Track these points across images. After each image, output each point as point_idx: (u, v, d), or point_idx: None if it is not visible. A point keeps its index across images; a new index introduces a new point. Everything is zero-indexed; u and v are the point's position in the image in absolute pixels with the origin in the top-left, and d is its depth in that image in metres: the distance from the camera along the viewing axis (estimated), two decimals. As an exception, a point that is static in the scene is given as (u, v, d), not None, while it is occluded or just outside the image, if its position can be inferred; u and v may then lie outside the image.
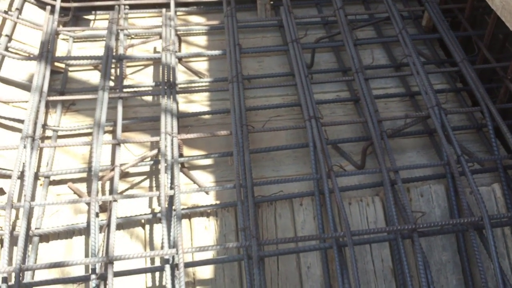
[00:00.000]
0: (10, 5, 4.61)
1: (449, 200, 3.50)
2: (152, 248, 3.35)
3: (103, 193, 3.48)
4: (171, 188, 3.40)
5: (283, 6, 4.69)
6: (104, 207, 3.43)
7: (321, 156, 3.50)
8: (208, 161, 3.85)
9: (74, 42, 4.77)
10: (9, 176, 3.45)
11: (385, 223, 3.47)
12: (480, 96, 3.83)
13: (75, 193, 3.60)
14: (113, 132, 3.94)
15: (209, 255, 3.30)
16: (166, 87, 3.97)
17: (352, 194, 3.60)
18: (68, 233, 3.35)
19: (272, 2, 5.10)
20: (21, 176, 3.43)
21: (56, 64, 4.39)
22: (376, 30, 4.92)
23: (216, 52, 4.45)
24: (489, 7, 3.98)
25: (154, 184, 3.71)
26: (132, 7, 5.00)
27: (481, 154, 3.85)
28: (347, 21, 4.53)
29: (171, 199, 3.37)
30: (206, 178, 3.77)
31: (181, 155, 3.72)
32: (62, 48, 4.66)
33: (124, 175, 3.71)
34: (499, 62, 4.34)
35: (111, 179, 3.48)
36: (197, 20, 5.06)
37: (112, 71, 4.42)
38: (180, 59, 4.51)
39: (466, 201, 3.33)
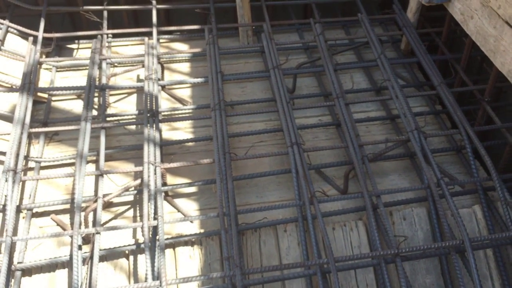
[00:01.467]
0: (-7, 36, 4.63)
1: (431, 223, 3.54)
2: (136, 279, 3.33)
3: (87, 224, 3.46)
4: (155, 218, 3.40)
5: (264, 32, 4.76)
6: (88, 239, 3.41)
7: (304, 182, 3.53)
8: (192, 189, 3.86)
9: (57, 71, 4.79)
10: (-10, 210, 3.42)
11: (369, 247, 3.49)
12: (458, 119, 3.91)
13: (58, 224, 3.58)
14: (96, 162, 3.94)
15: (194, 285, 3.28)
16: (149, 116, 3.99)
17: (335, 219, 3.63)
18: (51, 267, 3.32)
19: (254, 28, 5.18)
20: (3, 210, 3.41)
21: (39, 94, 4.40)
22: (356, 54, 5.00)
23: (199, 79, 4.49)
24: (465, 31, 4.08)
25: (138, 214, 3.70)
26: (115, 35, 5.04)
27: (461, 176, 3.91)
28: (327, 46, 4.61)
29: (155, 229, 3.37)
30: (191, 206, 3.77)
31: (164, 184, 3.72)
32: (45, 78, 4.67)
33: (108, 205, 3.71)
34: (477, 84, 4.44)
35: (94, 210, 3.47)
36: (180, 47, 5.11)
37: (96, 100, 4.43)
38: (163, 87, 4.54)
39: (448, 223, 3.37)
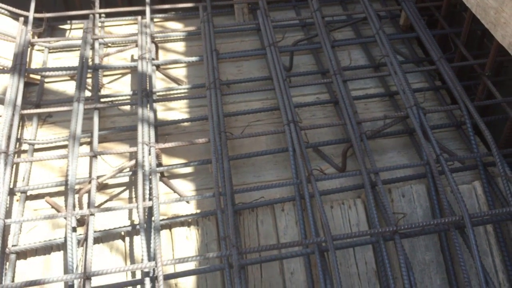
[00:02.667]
0: (-17, 17, 4.54)
1: (430, 199, 3.49)
2: (132, 260, 3.30)
3: (82, 206, 3.42)
4: (150, 199, 3.35)
5: (260, 9, 4.66)
6: (83, 221, 3.37)
7: (301, 161, 3.47)
8: (188, 169, 3.81)
9: (49, 52, 4.70)
10: (-17, 193, 3.38)
11: (367, 225, 3.45)
12: (457, 95, 3.83)
13: (52, 207, 3.54)
14: (90, 143, 3.88)
15: (191, 265, 3.25)
16: (143, 96, 3.92)
17: (333, 197, 3.58)
18: (46, 249, 3.28)
19: (249, 6, 5.07)
20: (-4, 193, 3.37)
21: (31, 75, 4.33)
22: (354, 30, 4.91)
23: (193, 58, 4.41)
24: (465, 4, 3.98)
25: (133, 195, 3.65)
26: (108, 15, 4.94)
27: (461, 152, 3.85)
28: (324, 22, 4.51)
29: (150, 210, 3.32)
30: (187, 187, 3.72)
31: (160, 164, 3.67)
32: (37, 59, 4.59)
33: (103, 186, 3.66)
34: (478, 58, 4.35)
35: (89, 192, 3.42)
36: (174, 26, 5.01)
37: (89, 81, 4.36)
38: (157, 66, 4.46)
39: (447, 200, 3.32)
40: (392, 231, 3.12)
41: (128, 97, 4.21)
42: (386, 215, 3.29)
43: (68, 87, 4.42)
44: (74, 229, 3.17)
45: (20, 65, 4.06)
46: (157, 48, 4.62)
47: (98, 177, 3.48)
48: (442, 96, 4.24)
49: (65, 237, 3.20)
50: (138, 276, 3.21)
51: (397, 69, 4.02)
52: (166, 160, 3.84)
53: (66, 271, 3.19)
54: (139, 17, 4.67)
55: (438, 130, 3.94)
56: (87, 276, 2.89)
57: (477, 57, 4.42)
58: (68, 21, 4.95)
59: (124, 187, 3.70)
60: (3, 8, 4.62)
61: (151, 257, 3.14)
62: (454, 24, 4.83)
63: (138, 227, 3.26)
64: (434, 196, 3.44)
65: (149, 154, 3.56)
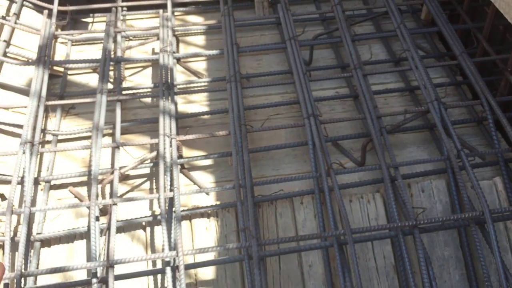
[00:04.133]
0: (8, 10, 4.62)
1: (450, 195, 3.48)
2: (153, 250, 3.35)
3: (104, 196, 3.49)
4: (171, 190, 3.40)
5: (281, 3, 4.67)
6: (105, 210, 3.44)
7: (320, 154, 3.48)
8: (208, 161, 3.85)
9: (72, 45, 4.77)
10: (9, 182, 3.46)
11: (386, 219, 3.45)
12: (479, 89, 3.80)
13: (76, 196, 3.61)
14: (112, 135, 3.94)
15: (210, 256, 3.30)
16: (164, 89, 3.97)
17: (352, 191, 3.59)
18: (69, 238, 3.36)
19: (269, 0, 5.08)
20: (22, 182, 3.45)
21: (55, 68, 4.40)
22: (374, 25, 4.89)
23: (214, 52, 4.44)
24: (488, -1, 3.95)
25: (154, 186, 3.71)
26: (130, 8, 5.00)
27: (482, 148, 3.83)
28: (345, 16, 4.50)
29: (171, 201, 3.37)
30: (207, 179, 3.76)
31: (180, 156, 3.72)
32: (60, 52, 4.67)
33: (125, 177, 3.72)
34: (499, 54, 4.30)
35: (111, 182, 3.48)
36: (195, 19, 5.05)
37: (111, 73, 4.42)
38: (178, 60, 4.50)
39: (467, 195, 3.30)
40: (411, 225, 3.13)
41: (149, 89, 4.26)
42: (405, 210, 3.29)
43: (91, 79, 4.48)
44: (97, 218, 3.24)
45: (44, 57, 4.14)
46: (178, 41, 4.66)
47: (120, 168, 3.54)
48: (463, 91, 4.21)
49: (88, 226, 3.26)
50: (159, 265, 3.27)
51: (418, 63, 4.00)
52: (186, 152, 3.88)
53: (89, 259, 3.26)
54: (161, 11, 4.72)
55: (458, 125, 3.92)
56: (110, 264, 2.95)
57: (499, 52, 4.36)
58: (91, 14, 5.02)
59: (145, 178, 3.75)
60: (27, 1, 4.70)
61: (172, 247, 3.18)
62: (476, 18, 4.77)
63: (159, 217, 3.31)
64: (454, 192, 3.42)
65: (170, 146, 3.60)
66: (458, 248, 3.37)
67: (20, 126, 3.82)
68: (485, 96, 3.75)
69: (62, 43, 4.76)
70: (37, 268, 3.23)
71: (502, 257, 3.06)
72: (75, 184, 3.70)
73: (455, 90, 4.27)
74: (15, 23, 4.44)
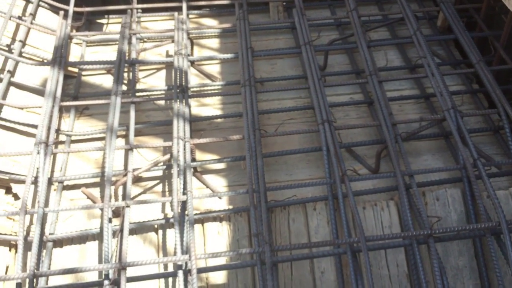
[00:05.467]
0: (24, 10, 4.65)
1: (465, 204, 3.44)
2: (165, 253, 3.34)
3: (117, 198, 3.49)
4: (184, 193, 3.39)
5: (296, 8, 4.65)
6: (118, 212, 3.43)
7: (335, 161, 3.46)
8: (221, 165, 3.84)
9: (87, 46, 4.79)
10: (23, 182, 3.47)
11: (400, 227, 3.42)
12: (496, 98, 3.76)
13: (88, 198, 3.61)
14: (126, 137, 3.94)
15: (222, 260, 3.28)
16: (178, 91, 3.96)
17: (366, 198, 3.56)
18: (81, 238, 3.36)
19: (284, 4, 5.07)
20: (35, 182, 3.45)
21: (70, 68, 4.42)
22: (390, 31, 4.86)
23: (229, 55, 4.44)
24: (506, 7, 3.90)
25: (167, 189, 3.70)
26: (145, 10, 5.01)
27: (498, 157, 3.78)
28: (361, 22, 4.48)
29: (183, 204, 3.36)
30: (219, 182, 3.75)
31: (193, 160, 3.71)
32: (75, 53, 4.68)
33: (138, 179, 3.72)
34: (516, 63, 4.26)
35: (124, 184, 3.48)
36: (210, 23, 5.05)
37: (125, 75, 4.43)
38: (192, 63, 4.50)
39: (483, 205, 3.27)
40: (426, 234, 3.09)
41: (163, 92, 4.26)
42: (420, 218, 3.26)
43: (105, 81, 4.49)
44: (110, 220, 3.23)
45: (60, 58, 4.15)
46: (192, 44, 4.66)
47: (133, 170, 3.53)
48: (480, 100, 4.17)
49: (101, 227, 3.26)
50: (171, 268, 3.25)
51: (434, 71, 3.97)
52: (199, 155, 3.87)
53: (101, 260, 3.26)
54: (176, 13, 4.72)
55: (474, 134, 3.87)
56: (122, 266, 2.94)
57: (515, 61, 4.32)
58: (106, 16, 5.04)
59: (158, 181, 3.75)
60: (44, 2, 4.72)
61: (184, 250, 3.17)
62: (492, 26, 4.74)
63: (171, 220, 3.30)
64: (470, 201, 3.38)
65: (184, 149, 3.60)
66: (472, 258, 3.33)
67: (35, 126, 3.83)
68: (502, 105, 3.71)
69: (77, 43, 4.77)
70: (49, 268, 3.23)
71: (518, 269, 3.02)
72: (88, 185, 3.70)
73: (471, 98, 4.23)
74: (31, 23, 4.46)
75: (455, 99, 4.01)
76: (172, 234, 3.34)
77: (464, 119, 3.92)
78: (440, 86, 3.86)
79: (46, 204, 3.49)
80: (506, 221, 3.06)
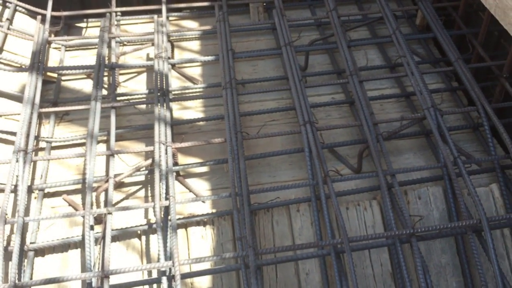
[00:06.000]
0: (1, 15, 4.58)
1: (447, 202, 3.47)
2: (149, 259, 3.32)
3: (99, 204, 3.45)
4: (167, 198, 3.37)
5: (276, 9, 4.65)
6: (100, 219, 3.40)
7: (317, 162, 3.47)
8: (204, 169, 3.82)
9: (66, 50, 4.73)
10: (2, 191, 3.42)
11: (383, 226, 3.44)
12: (475, 96, 3.80)
13: (70, 205, 3.57)
14: (107, 142, 3.91)
15: (207, 265, 3.27)
16: (159, 95, 3.94)
17: (349, 198, 3.57)
18: (63, 247, 3.32)
19: (265, 5, 5.07)
20: (15, 190, 3.40)
21: (49, 74, 4.36)
22: (370, 30, 4.89)
23: (209, 58, 4.42)
24: (483, 4, 3.95)
25: (149, 194, 3.68)
26: (124, 13, 4.96)
27: (478, 154, 3.82)
28: (340, 22, 4.49)
29: (166, 209, 3.34)
30: (202, 186, 3.74)
31: (176, 164, 3.69)
32: (54, 57, 4.63)
33: (120, 185, 3.68)
34: (494, 59, 4.31)
35: (106, 191, 3.44)
36: (190, 25, 5.02)
37: (105, 79, 4.39)
38: (173, 65, 4.48)
39: (464, 203, 3.30)
40: (408, 233, 3.11)
41: (144, 96, 4.23)
42: (402, 218, 3.28)
43: (85, 86, 4.44)
44: (91, 227, 3.20)
45: (38, 64, 4.10)
46: (172, 46, 4.63)
47: (115, 176, 3.50)
48: (459, 97, 4.21)
49: (83, 235, 3.22)
50: (155, 275, 3.23)
51: (414, 69, 4.00)
52: (181, 159, 3.85)
53: (84, 269, 3.22)
54: (155, 16, 4.69)
55: (454, 131, 3.92)
56: (105, 275, 2.92)
57: (494, 58, 4.37)
58: (85, 20, 4.98)
59: (140, 186, 3.72)
60: (21, 7, 4.65)
61: (168, 256, 3.15)
62: (471, 24, 4.78)
63: (154, 226, 3.28)
64: (451, 199, 3.42)
65: (166, 153, 3.58)
66: (455, 255, 3.37)
67: (13, 134, 3.77)
68: (481, 102, 3.75)
69: (55, 48, 4.72)
70: (31, 278, 3.18)
71: (499, 265, 3.06)
72: (69, 192, 3.66)
73: (450, 96, 4.27)
74: (8, 28, 4.40)
75: (435, 97, 4.05)
76: (156, 240, 3.32)
77: (444, 117, 3.96)
78: (420, 85, 3.89)
79: (27, 212, 3.44)
80: (487, 218, 3.10)
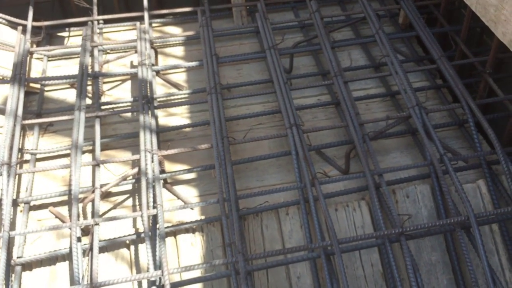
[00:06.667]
0: (-19, 27, 4.53)
1: (435, 199, 3.49)
2: (138, 268, 3.29)
3: (86, 215, 3.41)
4: (154, 207, 3.34)
5: (259, 12, 4.64)
6: (88, 230, 3.36)
7: (304, 164, 3.46)
8: (192, 175, 3.80)
9: (49, 60, 4.69)
10: (-13, 205, 3.37)
11: (372, 226, 3.44)
12: (459, 93, 3.82)
13: (56, 217, 3.53)
14: (93, 152, 3.87)
15: (197, 272, 3.24)
16: (144, 103, 3.91)
17: (338, 199, 3.57)
18: (51, 260, 3.28)
19: (248, 8, 5.06)
20: (0, 204, 3.35)
21: (31, 84, 4.31)
22: (353, 30, 4.90)
23: (193, 63, 4.40)
24: (464, 1, 3.97)
25: (137, 203, 3.64)
26: (106, 21, 4.92)
27: (464, 151, 3.84)
28: (323, 23, 4.49)
29: (155, 218, 3.31)
30: (190, 193, 3.71)
31: (163, 171, 3.66)
32: (37, 68, 4.58)
33: (107, 195, 3.65)
34: (477, 56, 4.33)
35: (93, 201, 3.41)
36: (173, 31, 5.00)
37: (90, 88, 4.35)
38: (157, 72, 4.45)
39: (452, 200, 3.31)
40: (397, 233, 3.12)
41: (129, 103, 4.19)
42: (391, 217, 3.28)
43: (69, 95, 4.40)
44: (79, 239, 3.16)
45: (20, 75, 4.05)
46: (156, 53, 4.61)
47: (101, 186, 3.47)
48: (444, 95, 4.23)
49: (70, 248, 3.18)
50: (145, 285, 3.20)
51: (398, 69, 4.01)
52: (168, 166, 3.82)
53: (72, 282, 3.18)
54: (138, 23, 4.66)
55: (440, 129, 3.93)
56: (94, 287, 2.88)
57: (477, 54, 4.40)
58: (67, 29, 4.93)
59: (128, 195, 3.69)
60: (1, 18, 4.60)
61: (157, 265, 3.13)
62: (453, 21, 4.81)
63: (143, 235, 3.25)
64: (439, 196, 3.43)
65: (152, 161, 3.55)
66: (445, 253, 3.37)
67: (-3, 147, 3.72)
68: (465, 99, 3.77)
69: (38, 58, 4.66)
70: (19, 293, 3.14)
71: (488, 260, 3.07)
72: (55, 204, 3.62)
73: (435, 93, 4.29)
74: (-11, 40, 4.35)
75: (420, 95, 4.06)
76: (145, 249, 3.29)
77: (430, 114, 3.97)
78: (404, 83, 3.90)
79: (13, 226, 3.40)
80: (474, 214, 3.11)
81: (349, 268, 3.33)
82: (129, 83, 4.51)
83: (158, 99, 4.22)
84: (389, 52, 4.13)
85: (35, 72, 4.51)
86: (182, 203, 3.54)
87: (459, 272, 3.29)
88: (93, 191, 3.43)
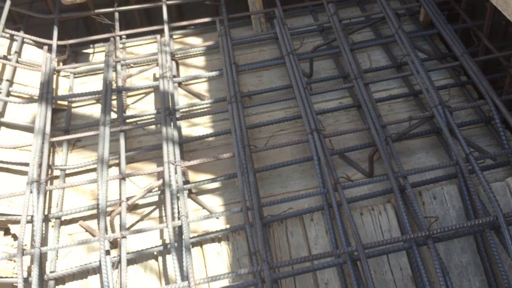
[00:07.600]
0: (9, 48, 4.68)
1: (463, 200, 3.41)
2: (167, 279, 3.34)
3: (114, 228, 3.49)
4: (179, 218, 3.38)
5: (277, 18, 4.65)
6: (116, 243, 3.43)
7: (326, 169, 3.44)
8: (216, 184, 3.83)
9: (75, 77, 4.82)
10: (19, 222, 3.47)
11: (399, 230, 3.39)
12: (483, 90, 3.73)
13: (86, 230, 3.62)
14: (119, 165, 3.94)
15: (224, 282, 3.26)
16: (166, 115, 3.97)
17: (363, 203, 3.54)
18: (82, 273, 3.36)
19: (266, 15, 5.07)
20: (32, 220, 3.46)
21: (59, 102, 4.44)
22: (373, 31, 4.85)
23: (213, 73, 4.44)
24: (486, -5, 3.89)
25: (163, 214, 3.70)
26: (129, 36, 5.02)
27: (491, 148, 3.75)
28: (342, 26, 4.47)
29: (180, 228, 3.36)
30: (215, 201, 3.75)
31: (187, 182, 3.71)
32: (64, 85, 4.71)
33: (134, 207, 3.72)
34: (502, 50, 4.22)
35: (120, 214, 3.48)
36: (194, 41, 5.06)
37: (114, 102, 4.44)
38: (180, 83, 4.51)
39: (480, 200, 3.23)
40: (424, 236, 3.06)
41: (153, 116, 4.26)
42: (417, 220, 3.23)
43: (95, 110, 4.51)
44: (107, 252, 3.23)
45: (47, 94, 4.17)
46: (177, 65, 4.67)
47: (127, 199, 3.54)
48: (469, 92, 4.14)
49: (100, 261, 3.25)
50: (173, 295, 3.24)
51: (419, 68, 3.94)
52: (193, 176, 3.87)
53: (103, 293, 3.25)
54: (158, 36, 4.74)
55: (466, 127, 3.85)
56: (122, 299, 2.94)
57: (501, 48, 4.29)
58: (91, 45, 5.06)
59: (154, 206, 3.75)
60: (28, 38, 4.75)
61: (184, 276, 3.16)
62: (476, 16, 4.71)
63: (169, 247, 3.29)
64: (467, 197, 3.35)
65: (176, 172, 3.60)
66: (475, 254, 3.30)
67: (27, 164, 3.84)
68: (489, 95, 3.68)
69: (64, 76, 4.80)
70: (53, 307, 3.23)
71: (520, 261, 2.99)
72: (85, 218, 3.71)
73: (460, 90, 4.20)
74: (17, 61, 4.49)
75: (443, 93, 3.99)
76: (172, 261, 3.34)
77: (455, 112, 3.89)
78: (426, 82, 3.83)
79: (45, 241, 3.50)
80: (503, 214, 3.03)
81: (377, 273, 3.29)
82: (152, 95, 4.59)
83: (181, 110, 4.27)
84: (410, 51, 4.07)
85: (62, 90, 4.64)
86: (207, 213, 3.57)
87: (491, 274, 3.21)
88: (120, 204, 3.50)
